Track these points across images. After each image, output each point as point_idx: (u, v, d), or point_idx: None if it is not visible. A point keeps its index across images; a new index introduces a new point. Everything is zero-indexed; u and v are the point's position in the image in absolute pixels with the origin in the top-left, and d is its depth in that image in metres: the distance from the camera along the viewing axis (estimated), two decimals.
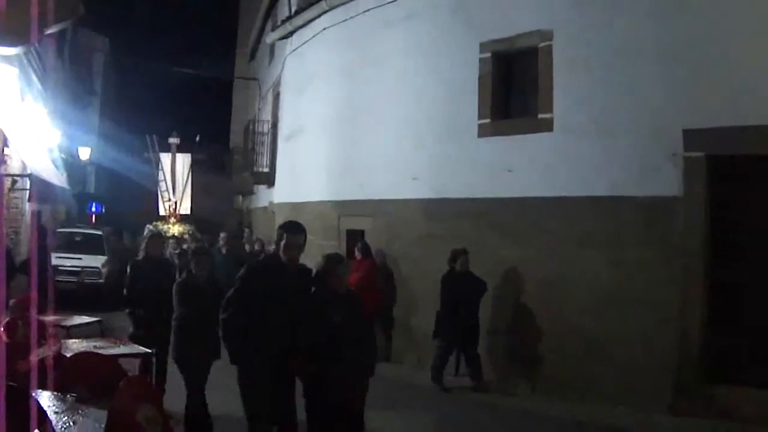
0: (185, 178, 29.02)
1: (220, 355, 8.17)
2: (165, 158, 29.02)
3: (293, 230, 7.24)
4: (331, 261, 7.32)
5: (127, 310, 10.41)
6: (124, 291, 10.54)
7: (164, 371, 9.73)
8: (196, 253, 9.54)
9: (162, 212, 28.63)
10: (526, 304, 12.05)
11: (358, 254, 13.95)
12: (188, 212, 29.01)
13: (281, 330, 6.91)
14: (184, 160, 29.23)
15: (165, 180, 28.87)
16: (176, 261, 16.57)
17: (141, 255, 10.91)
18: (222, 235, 19.16)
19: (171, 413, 7.49)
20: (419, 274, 13.48)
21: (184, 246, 19.16)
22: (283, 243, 7.10)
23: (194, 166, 29.60)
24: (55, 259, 18.48)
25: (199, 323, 8.49)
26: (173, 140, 29.04)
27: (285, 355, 6.92)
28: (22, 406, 4.42)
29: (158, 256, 11.10)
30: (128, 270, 10.85)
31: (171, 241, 18.81)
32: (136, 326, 10.14)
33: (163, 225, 26.50)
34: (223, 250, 17.92)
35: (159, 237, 12.50)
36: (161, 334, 9.13)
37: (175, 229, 25.93)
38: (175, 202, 28.46)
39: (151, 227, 26.32)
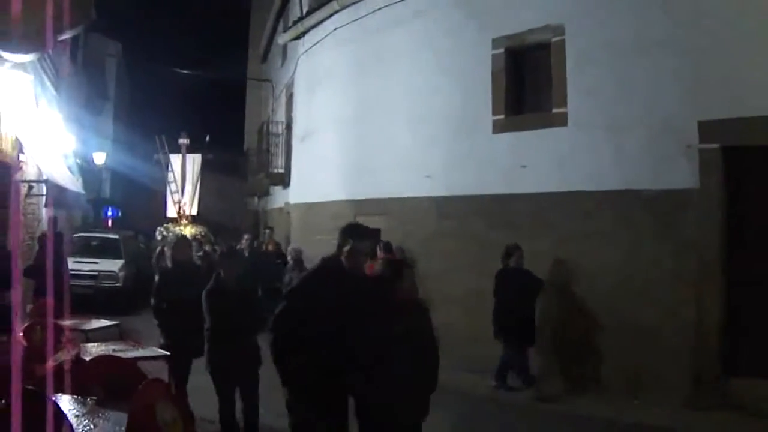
0: (195, 179, 28.69)
1: (262, 362, 7.98)
2: (174, 159, 28.72)
3: (360, 234, 6.43)
4: (395, 266, 6.55)
5: (156, 321, 9.74)
6: (152, 300, 9.90)
7: (185, 379, 9.16)
8: (226, 256, 9.09)
9: (171, 214, 28.29)
10: (539, 300, 12.02)
11: (380, 252, 13.33)
12: (195, 214, 28.65)
13: (338, 347, 5.87)
14: (194, 161, 28.89)
15: (175, 181, 28.56)
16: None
17: (169, 262, 10.38)
18: (245, 236, 19.11)
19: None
20: (433, 271, 13.46)
21: (206, 248, 19.11)
22: (347, 249, 6.26)
23: (205, 168, 29.29)
24: (72, 264, 18.52)
25: (233, 332, 7.98)
26: (183, 141, 28.71)
27: (340, 371, 5.93)
28: (40, 410, 4.44)
29: (187, 261, 10.33)
30: (156, 278, 10.45)
31: (193, 243, 18.81)
32: (167, 336, 9.45)
33: (174, 227, 26.33)
34: (246, 252, 17.56)
35: (186, 241, 11.62)
36: (193, 345, 8.58)
37: (186, 231, 25.74)
38: (184, 204, 28.16)
39: (161, 229, 26.31)
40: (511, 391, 11.50)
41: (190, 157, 28.70)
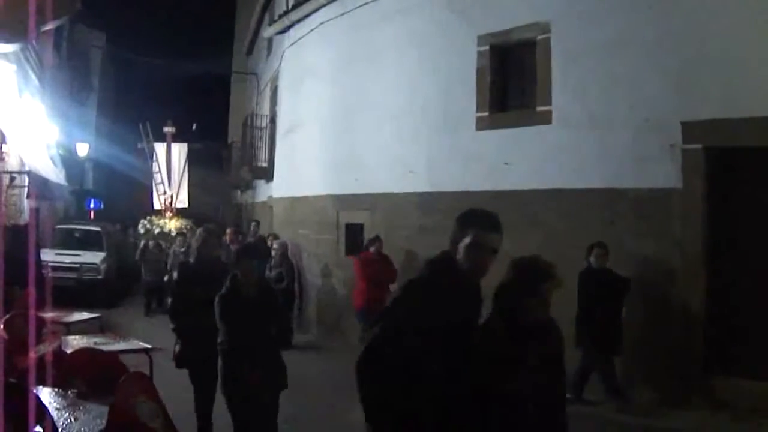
0: (181, 170, 28.04)
1: (287, 384, 7.12)
2: (160, 148, 28.05)
3: (487, 224, 4.61)
4: (531, 272, 4.78)
5: (172, 325, 8.46)
6: (169, 301, 9.06)
7: (210, 403, 8.18)
8: (243, 253, 7.51)
9: (157, 206, 27.67)
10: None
11: (372, 248, 13.71)
12: (185, 206, 28.19)
13: (460, 385, 4.29)
14: (180, 151, 28.25)
15: (160, 171, 27.89)
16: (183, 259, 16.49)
17: (192, 257, 8.88)
18: (228, 230, 19.02)
19: None
20: (417, 267, 13.44)
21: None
22: (467, 243, 4.50)
23: (190, 159, 28.64)
24: (54, 256, 18.51)
25: (254, 347, 6.84)
26: (168, 129, 28.12)
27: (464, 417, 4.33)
28: (21, 403, 4.43)
29: (215, 258, 8.90)
30: (176, 275, 9.32)
31: (179, 238, 18.57)
32: (185, 344, 8.23)
33: (159, 220, 25.92)
34: (232, 247, 17.51)
35: (214, 234, 9.40)
36: (216, 355, 7.27)
37: (171, 225, 25.30)
38: (171, 195, 27.50)
39: (145, 222, 25.92)
40: (589, 404, 10.44)
41: (175, 146, 28.15)
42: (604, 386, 10.49)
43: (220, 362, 6.99)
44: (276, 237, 17.28)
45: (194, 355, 8.04)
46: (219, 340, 6.92)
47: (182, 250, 16.83)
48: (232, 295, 6.98)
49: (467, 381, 4.31)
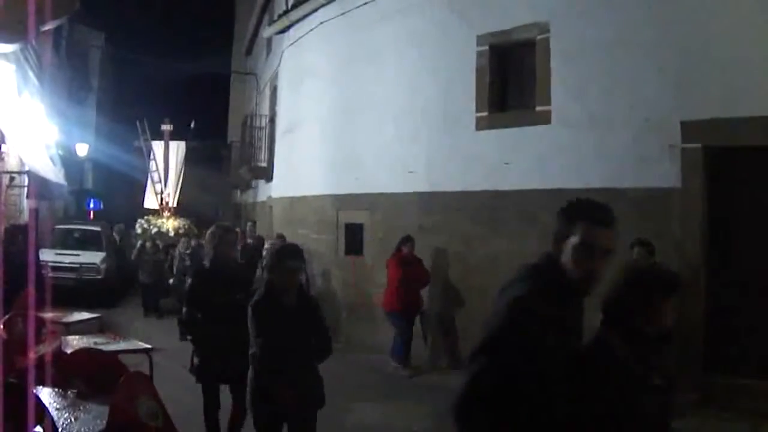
0: (179, 168, 27.69)
1: (324, 402, 6.39)
2: (157, 147, 27.71)
3: (598, 218, 3.86)
4: (651, 281, 3.84)
5: (189, 337, 7.90)
6: (183, 309, 8.00)
7: (242, 417, 7.61)
8: (284, 255, 6.41)
9: (150, 205, 27.36)
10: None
11: (404, 248, 13.17)
12: (180, 205, 27.82)
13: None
14: (177, 149, 27.88)
15: (157, 170, 27.55)
16: (187, 261, 16.31)
17: (207, 260, 8.07)
18: (236, 230, 18.93)
19: None
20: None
21: (193, 243, 18.67)
22: (575, 241, 3.74)
23: (190, 159, 28.29)
24: (54, 256, 18.50)
25: (292, 362, 6.08)
26: (166, 127, 27.78)
27: None
28: (21, 403, 4.43)
29: (232, 259, 8.36)
30: (189, 280, 8.46)
31: (183, 239, 18.34)
32: (202, 355, 7.61)
33: (156, 219, 25.63)
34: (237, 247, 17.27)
35: (232, 233, 8.55)
36: (237, 368, 6.83)
37: (169, 224, 25.05)
38: (168, 194, 27.19)
39: (142, 222, 25.57)
40: None
41: (173, 144, 27.81)
42: None
43: (251, 377, 6.27)
44: (283, 238, 16.46)
45: (216, 368, 7.47)
46: (251, 351, 6.19)
47: (188, 252, 16.60)
48: (268, 302, 6.20)
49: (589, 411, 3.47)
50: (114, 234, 24.86)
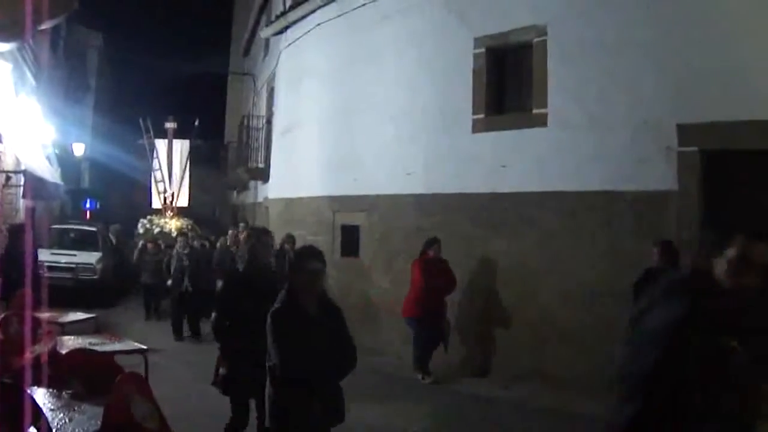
0: (183, 167, 26.99)
1: (344, 418, 5.84)
2: (160, 145, 27.02)
3: (759, 231, 3.63)
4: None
5: (219, 345, 7.27)
6: (213, 315, 7.41)
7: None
8: (305, 256, 5.98)
9: (156, 205, 26.74)
10: (518, 298, 12.05)
11: (430, 251, 12.40)
12: (186, 204, 27.17)
13: None
14: (182, 147, 27.19)
15: (160, 169, 26.90)
16: (185, 262, 16.16)
17: (241, 263, 7.75)
18: (230, 232, 18.92)
19: None
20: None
21: (195, 243, 18.38)
22: (733, 255, 3.51)
23: (192, 155, 27.72)
24: (50, 256, 18.48)
25: (315, 376, 5.49)
26: (170, 125, 27.05)
27: None
28: (16, 403, 4.42)
29: (267, 264, 7.75)
30: (222, 285, 8.03)
31: (180, 239, 18.06)
32: (233, 365, 7.08)
33: (159, 219, 25.20)
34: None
35: (268, 235, 7.94)
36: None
37: (172, 225, 24.62)
38: (172, 194, 26.55)
39: (144, 222, 25.25)
40: None
41: (177, 143, 27.26)
42: None
43: (269, 391, 5.73)
44: (292, 240, 15.91)
45: (246, 380, 6.87)
46: (270, 364, 5.61)
47: (185, 251, 16.40)
48: (288, 310, 5.63)
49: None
50: (110, 234, 24.74)
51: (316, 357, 5.47)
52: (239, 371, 6.96)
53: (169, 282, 16.52)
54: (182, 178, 26.87)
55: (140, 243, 20.80)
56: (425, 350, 12.33)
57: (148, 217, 25.36)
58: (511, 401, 11.03)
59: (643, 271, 9.86)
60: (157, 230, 23.93)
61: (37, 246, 14.10)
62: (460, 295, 12.72)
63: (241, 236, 16.82)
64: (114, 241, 24.27)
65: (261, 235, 7.61)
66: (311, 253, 5.94)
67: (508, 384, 11.66)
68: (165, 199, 26.45)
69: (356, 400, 5.54)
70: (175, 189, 26.64)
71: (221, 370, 7.15)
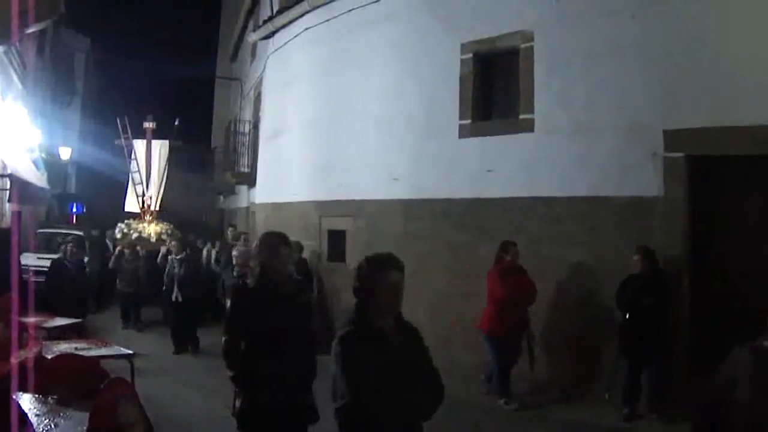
0: (162, 169, 25.80)
1: None
2: (139, 145, 25.83)
3: None
4: None
5: (230, 373, 5.92)
6: (223, 339, 5.98)
7: None
8: (382, 264, 4.75)
9: (131, 208, 25.54)
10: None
11: (507, 256, 11.16)
12: (161, 208, 25.71)
13: None
14: (161, 148, 25.90)
15: (138, 171, 25.70)
16: (177, 270, 15.57)
17: (252, 277, 6.12)
18: (241, 235, 18.63)
19: None
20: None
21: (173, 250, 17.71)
22: None
23: (175, 160, 26.93)
24: (36, 260, 18.39)
25: (395, 413, 4.32)
26: (148, 124, 25.78)
27: None
28: (2, 409, 4.41)
29: (286, 276, 6.24)
30: (231, 302, 6.35)
31: (172, 243, 17.51)
32: (251, 394, 5.84)
33: (137, 223, 23.89)
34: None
35: (287, 245, 6.37)
36: (293, 414, 5.78)
37: (151, 229, 24.02)
38: (150, 197, 25.27)
39: (122, 226, 24.45)
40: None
41: (156, 143, 26.01)
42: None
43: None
44: (300, 248, 14.99)
45: (267, 411, 5.74)
46: (338, 405, 4.40)
47: (179, 257, 15.82)
48: (361, 335, 4.49)
49: None
50: (107, 239, 24.40)
51: (401, 392, 4.31)
52: (259, 401, 5.75)
53: (165, 288, 15.96)
54: (161, 180, 25.73)
55: (117, 248, 20.37)
56: (506, 371, 11.03)
57: (126, 221, 24.58)
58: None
59: (625, 277, 10.11)
60: (135, 235, 23.30)
61: (20, 251, 14.04)
62: (443, 299, 12.71)
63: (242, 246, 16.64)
64: (111, 246, 23.81)
65: (279, 246, 6.16)
66: (389, 261, 4.75)
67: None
68: (143, 202, 25.30)
69: None
70: (153, 192, 25.52)
71: (237, 402, 5.91)
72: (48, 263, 17.22)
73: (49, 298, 13.22)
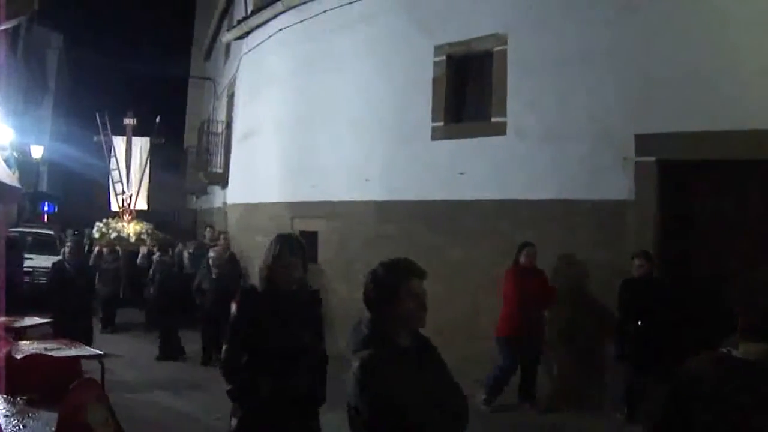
0: (142, 167, 25.00)
1: None
2: (118, 143, 24.98)
3: None
4: None
5: (228, 387, 5.16)
6: (224, 348, 5.25)
7: None
8: (404, 272, 4.27)
9: (114, 207, 24.72)
10: (477, 306, 12.04)
11: (522, 258, 10.97)
12: (145, 207, 25.17)
13: None
14: (141, 145, 25.09)
15: (118, 169, 24.87)
16: (157, 275, 15.26)
17: (260, 281, 5.39)
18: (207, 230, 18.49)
19: None
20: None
21: (156, 253, 17.35)
22: None
23: (152, 158, 25.57)
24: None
25: None
26: (128, 121, 24.93)
27: None
28: None
29: (295, 282, 5.40)
30: (234, 310, 5.39)
31: (152, 244, 17.17)
32: (246, 416, 5.14)
33: (116, 223, 23.22)
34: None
35: (300, 248, 5.62)
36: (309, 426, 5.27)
37: (130, 229, 23.53)
38: (130, 196, 24.53)
39: (100, 225, 24.09)
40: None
41: (137, 140, 25.24)
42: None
43: None
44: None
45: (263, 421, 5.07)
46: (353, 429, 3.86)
47: (164, 258, 15.56)
48: (383, 351, 3.86)
49: None
50: (85, 238, 24.04)
51: (429, 412, 3.71)
52: (257, 422, 5.09)
53: (151, 290, 15.64)
54: (141, 178, 25.04)
55: (96, 248, 20.08)
56: (506, 376, 10.80)
57: (104, 220, 24.19)
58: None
59: (623, 281, 10.03)
60: (114, 235, 22.96)
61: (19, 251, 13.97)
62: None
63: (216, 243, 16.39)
64: (88, 245, 23.49)
65: (289, 247, 5.51)
66: (410, 268, 4.25)
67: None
68: (123, 201, 24.60)
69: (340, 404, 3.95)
70: (133, 190, 24.87)
71: (233, 420, 5.19)
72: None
73: (51, 302, 13.05)
